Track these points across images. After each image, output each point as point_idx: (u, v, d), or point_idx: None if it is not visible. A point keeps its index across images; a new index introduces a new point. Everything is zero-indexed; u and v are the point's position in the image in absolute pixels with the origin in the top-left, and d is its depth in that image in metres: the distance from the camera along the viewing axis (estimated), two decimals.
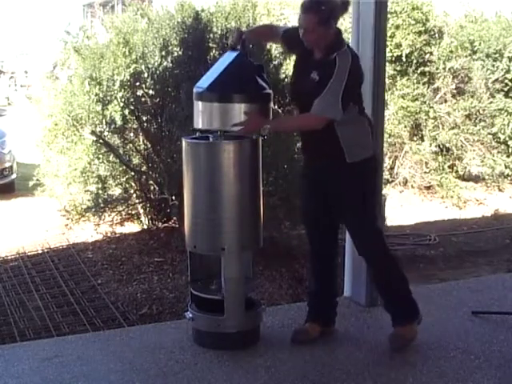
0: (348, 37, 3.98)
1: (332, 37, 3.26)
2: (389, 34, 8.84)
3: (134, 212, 6.63)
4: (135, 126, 6.27)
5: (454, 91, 9.94)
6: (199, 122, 3.43)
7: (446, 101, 9.86)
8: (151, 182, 6.39)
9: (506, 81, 10.15)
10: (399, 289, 3.53)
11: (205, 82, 3.41)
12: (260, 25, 3.49)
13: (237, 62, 3.39)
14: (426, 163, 9.60)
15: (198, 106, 3.41)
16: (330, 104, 3.20)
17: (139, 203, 6.56)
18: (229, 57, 3.45)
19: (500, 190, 9.77)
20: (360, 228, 3.45)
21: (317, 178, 3.48)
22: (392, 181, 9.53)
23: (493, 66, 10.11)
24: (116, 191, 6.59)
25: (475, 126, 9.80)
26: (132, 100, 6.10)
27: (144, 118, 6.20)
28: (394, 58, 9.48)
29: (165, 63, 6.03)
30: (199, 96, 3.40)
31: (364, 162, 3.36)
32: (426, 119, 9.63)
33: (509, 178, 10.01)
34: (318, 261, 3.68)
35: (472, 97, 9.88)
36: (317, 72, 3.28)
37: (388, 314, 3.57)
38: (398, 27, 9.56)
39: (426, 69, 9.78)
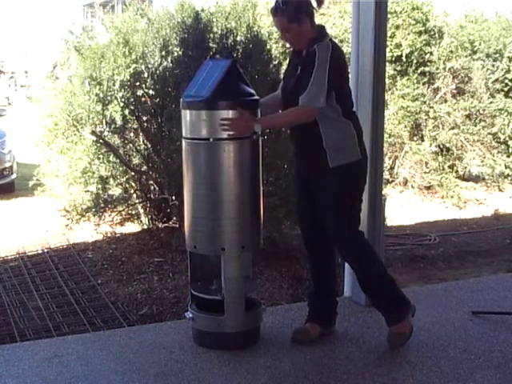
0: (348, 37, 3.98)
1: (312, 32, 3.29)
2: (389, 34, 8.85)
3: (134, 212, 6.63)
4: (135, 126, 6.26)
5: (454, 91, 9.95)
6: (188, 131, 3.42)
7: (446, 101, 9.87)
8: (151, 181, 6.39)
9: (506, 81, 10.16)
10: (383, 289, 3.53)
11: (192, 90, 3.40)
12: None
13: (223, 69, 3.37)
14: (426, 163, 9.61)
15: (186, 114, 3.40)
16: (316, 93, 3.21)
17: (139, 203, 6.55)
18: (214, 65, 3.45)
19: (500, 190, 9.78)
20: (335, 229, 3.45)
21: (305, 179, 3.51)
22: (392, 181, 9.54)
23: (493, 65, 10.12)
24: (116, 191, 6.58)
25: (475, 125, 9.81)
26: (132, 100, 6.09)
27: (144, 118, 6.19)
28: (394, 58, 9.49)
29: (165, 63, 6.02)
30: (187, 105, 3.39)
31: (347, 166, 3.34)
32: (426, 119, 9.64)
33: (509, 178, 10.02)
34: (315, 261, 3.68)
35: (472, 97, 9.89)
36: (300, 67, 3.33)
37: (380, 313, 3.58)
38: (398, 27, 9.56)
39: (426, 69, 9.79)
